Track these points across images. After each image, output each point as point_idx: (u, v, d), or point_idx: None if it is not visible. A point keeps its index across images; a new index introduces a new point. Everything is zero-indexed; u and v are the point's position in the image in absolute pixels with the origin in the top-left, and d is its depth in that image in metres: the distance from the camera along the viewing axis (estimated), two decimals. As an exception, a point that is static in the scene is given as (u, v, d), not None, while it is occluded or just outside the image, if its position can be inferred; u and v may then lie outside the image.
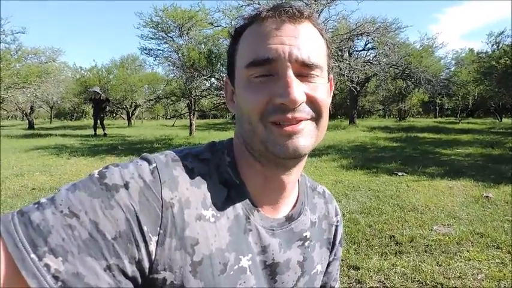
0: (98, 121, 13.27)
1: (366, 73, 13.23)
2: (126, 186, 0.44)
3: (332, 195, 0.72)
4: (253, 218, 0.53)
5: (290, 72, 0.47)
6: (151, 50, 12.89)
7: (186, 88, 10.79)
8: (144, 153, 0.51)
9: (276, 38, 0.48)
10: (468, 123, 19.33)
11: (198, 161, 0.52)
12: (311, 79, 0.49)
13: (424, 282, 2.35)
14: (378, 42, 13.60)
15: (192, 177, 0.50)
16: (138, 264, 0.42)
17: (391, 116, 28.99)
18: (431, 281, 2.36)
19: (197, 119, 19.51)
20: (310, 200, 0.64)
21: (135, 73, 21.18)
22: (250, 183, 0.54)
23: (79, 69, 23.02)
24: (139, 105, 22.42)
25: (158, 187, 0.45)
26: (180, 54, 10.89)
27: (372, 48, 15.63)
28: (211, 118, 33.57)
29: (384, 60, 14.01)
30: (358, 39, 13.42)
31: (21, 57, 15.15)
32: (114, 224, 0.41)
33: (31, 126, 18.88)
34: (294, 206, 0.60)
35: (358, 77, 12.30)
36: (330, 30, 12.62)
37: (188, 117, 13.63)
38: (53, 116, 28.20)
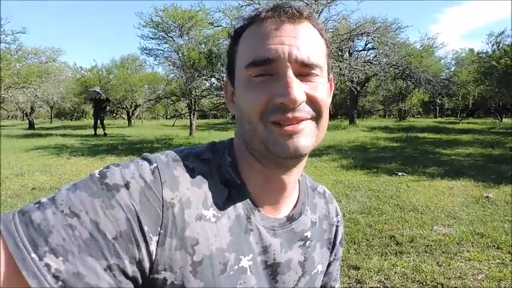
0: (98, 121, 13.28)
1: (366, 73, 13.23)
2: (127, 186, 0.44)
3: (332, 195, 0.72)
4: (254, 218, 0.53)
5: (290, 72, 0.47)
6: (151, 50, 12.90)
7: (186, 88, 10.79)
8: (145, 153, 0.51)
9: (276, 38, 0.48)
10: (468, 123, 19.32)
11: (199, 161, 0.52)
12: (311, 79, 0.49)
13: (424, 283, 2.35)
14: (378, 42, 13.60)
15: (192, 177, 0.50)
16: (139, 264, 0.42)
17: (391, 116, 28.99)
18: (432, 281, 2.36)
19: (197, 119, 19.51)
20: (310, 200, 0.64)
21: (135, 73, 21.18)
22: (250, 183, 0.54)
23: (79, 69, 23.05)
24: (140, 105, 22.43)
25: (159, 187, 0.45)
26: (180, 54, 10.90)
27: (372, 48, 15.63)
28: (212, 118, 33.58)
29: (384, 60, 14.01)
30: (358, 39, 13.43)
31: (22, 57, 15.17)
32: (114, 223, 0.41)
33: (31, 126, 18.89)
34: (295, 206, 0.60)
35: (358, 77, 12.29)
36: (330, 30, 12.62)
37: (188, 117, 13.63)
38: (53, 115, 28.22)
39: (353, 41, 13.10)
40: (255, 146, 0.51)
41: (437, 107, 27.89)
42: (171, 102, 15.64)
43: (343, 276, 2.45)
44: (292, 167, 0.54)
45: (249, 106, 0.49)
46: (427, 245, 2.92)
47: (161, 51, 12.80)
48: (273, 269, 0.54)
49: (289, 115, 0.47)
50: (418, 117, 29.29)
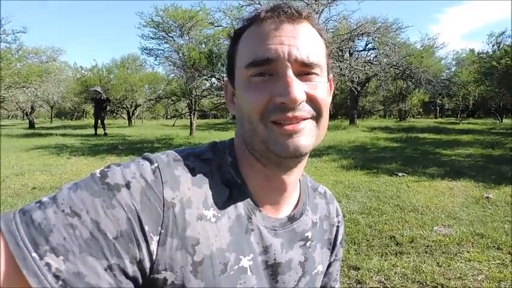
0: (99, 121, 13.29)
1: (366, 73, 13.22)
2: (127, 185, 0.44)
3: (333, 196, 0.72)
4: (255, 218, 0.53)
5: (290, 72, 0.47)
6: (152, 49, 12.93)
7: (187, 88, 10.80)
8: (146, 153, 0.51)
9: (275, 38, 0.48)
10: (469, 123, 19.32)
11: (199, 161, 0.52)
12: (311, 78, 0.49)
13: (424, 283, 2.35)
14: (378, 42, 13.61)
15: (193, 177, 0.50)
16: (139, 264, 0.42)
17: (392, 117, 28.99)
18: (432, 281, 2.36)
19: (197, 118, 19.50)
20: (311, 200, 0.64)
21: (135, 73, 21.20)
22: (251, 183, 0.54)
23: (80, 69, 23.09)
24: (140, 105, 22.44)
25: (160, 187, 0.45)
26: (180, 54, 10.91)
27: (373, 49, 15.64)
28: (212, 118, 33.60)
29: (385, 60, 14.00)
30: (358, 39, 13.44)
31: (22, 56, 15.19)
32: (115, 223, 0.41)
33: (31, 125, 18.91)
34: (296, 206, 0.60)
35: (359, 77, 12.29)
36: (330, 30, 12.63)
37: (188, 117, 13.64)
38: (53, 115, 28.25)
39: (353, 41, 13.11)
40: (256, 146, 0.51)
41: (437, 108, 27.88)
42: (172, 102, 15.66)
43: (343, 276, 2.45)
44: (292, 167, 0.54)
45: (249, 106, 0.49)
46: (427, 246, 2.92)
47: (161, 51, 12.84)
48: (273, 269, 0.54)
49: (290, 114, 0.47)
50: (418, 117, 29.29)
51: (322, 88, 0.50)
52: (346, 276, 2.45)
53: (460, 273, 2.46)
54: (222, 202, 0.51)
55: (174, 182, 0.47)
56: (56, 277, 0.37)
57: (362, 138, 11.13)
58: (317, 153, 7.52)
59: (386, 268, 2.54)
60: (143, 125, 21.42)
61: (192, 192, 0.48)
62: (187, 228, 0.46)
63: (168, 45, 12.35)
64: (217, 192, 0.51)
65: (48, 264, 0.37)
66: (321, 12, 11.80)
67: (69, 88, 20.81)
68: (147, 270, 0.43)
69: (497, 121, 21.17)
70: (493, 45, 16.32)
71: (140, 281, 0.43)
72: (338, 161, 6.95)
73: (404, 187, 4.82)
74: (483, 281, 2.36)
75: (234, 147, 0.56)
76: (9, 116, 34.09)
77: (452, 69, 21.87)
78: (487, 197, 4.23)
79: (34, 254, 0.37)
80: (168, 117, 31.34)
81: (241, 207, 0.52)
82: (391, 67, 14.44)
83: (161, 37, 12.37)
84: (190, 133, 12.71)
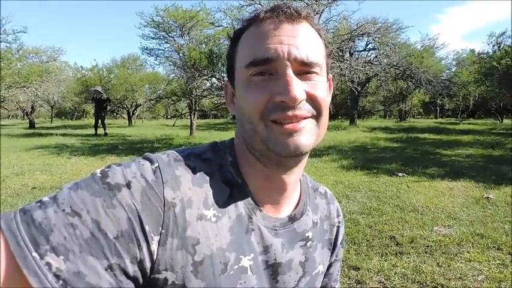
0: (99, 120, 13.29)
1: (366, 73, 13.21)
2: (128, 185, 0.44)
3: (334, 196, 0.72)
4: (256, 217, 0.53)
5: (289, 71, 0.47)
6: (152, 49, 12.94)
7: (187, 88, 10.80)
8: (147, 153, 0.51)
9: (275, 37, 0.48)
10: (469, 124, 19.31)
11: (200, 161, 0.52)
12: (310, 77, 0.50)
13: (424, 283, 2.35)
14: (378, 42, 13.61)
15: (194, 176, 0.50)
16: (140, 264, 0.42)
17: (392, 117, 28.98)
18: (432, 281, 2.36)
19: (198, 118, 19.50)
20: (312, 201, 0.64)
21: (136, 73, 21.19)
22: (251, 183, 0.54)
23: (80, 69, 23.09)
24: (140, 104, 22.44)
25: (160, 187, 0.45)
26: (181, 54, 10.91)
27: (373, 49, 15.64)
28: (212, 118, 33.60)
29: (385, 60, 14.00)
30: (359, 39, 13.43)
31: (22, 56, 15.20)
32: (115, 223, 0.41)
33: (32, 125, 18.91)
34: (296, 206, 0.60)
35: (359, 78, 12.28)
36: (331, 30, 12.64)
37: (189, 117, 13.64)
38: (53, 115, 28.25)
39: (354, 42, 13.11)
40: (256, 146, 0.51)
41: (437, 108, 27.88)
42: (172, 102, 15.65)
43: (343, 276, 2.45)
44: (292, 166, 0.54)
45: (249, 106, 0.49)
46: (427, 246, 2.91)
47: (162, 51, 12.84)
48: (273, 269, 0.54)
49: (290, 113, 0.47)
50: (418, 117, 29.28)
51: (322, 87, 0.51)
52: (346, 277, 2.45)
53: (460, 274, 2.46)
54: (223, 202, 0.51)
55: (174, 182, 0.47)
56: (57, 277, 0.37)
57: (362, 138, 11.13)
58: (317, 153, 7.52)
59: (387, 268, 2.54)
60: (143, 125, 21.42)
61: (193, 192, 0.48)
62: (187, 228, 0.46)
63: (168, 45, 12.36)
64: (217, 191, 0.51)
65: (48, 264, 0.37)
66: (322, 12, 11.79)
67: (69, 88, 20.82)
68: (148, 270, 0.43)
69: (498, 121, 21.15)
70: (494, 46, 16.33)
71: (141, 281, 0.43)
72: (338, 161, 6.95)
73: (405, 187, 4.82)
74: (483, 282, 2.36)
75: (234, 147, 0.56)
76: (9, 116, 34.10)
77: (453, 70, 21.86)
78: (487, 198, 4.23)
79: (34, 254, 0.37)
80: (168, 117, 31.34)
81: (241, 206, 0.52)
82: (391, 67, 14.44)
83: (161, 37, 12.38)
84: (191, 133, 12.70)
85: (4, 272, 0.37)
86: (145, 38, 12.59)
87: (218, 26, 11.91)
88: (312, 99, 0.49)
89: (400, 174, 5.57)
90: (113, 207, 0.42)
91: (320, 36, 0.53)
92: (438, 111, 29.05)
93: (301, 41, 0.49)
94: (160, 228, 0.44)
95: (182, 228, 0.46)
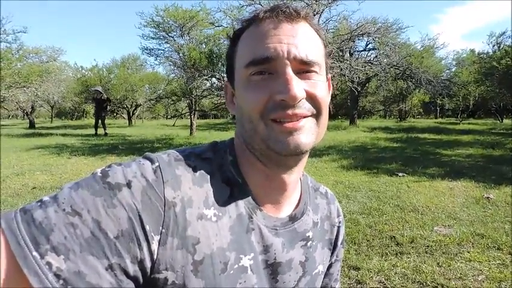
0: (99, 120, 13.29)
1: (366, 73, 13.22)
2: (128, 185, 0.44)
3: (334, 196, 0.72)
4: (256, 217, 0.53)
5: (289, 70, 0.47)
6: (152, 49, 12.94)
7: (187, 88, 10.81)
8: (147, 153, 0.51)
9: (274, 37, 0.48)
10: (469, 123, 19.31)
11: (200, 160, 0.52)
12: (310, 76, 0.50)
13: (424, 283, 2.34)
14: (378, 42, 13.61)
15: (194, 176, 0.50)
16: (140, 263, 0.42)
17: (392, 117, 28.98)
18: (432, 281, 2.36)
19: (198, 118, 19.50)
20: (312, 200, 0.64)
21: (136, 73, 21.20)
22: (251, 182, 0.54)
23: (80, 69, 23.09)
24: (140, 104, 22.44)
25: (161, 186, 0.45)
26: (181, 54, 10.91)
27: (373, 49, 15.64)
28: (212, 118, 33.61)
29: (385, 60, 14.00)
30: (359, 39, 13.44)
31: (22, 56, 15.21)
32: (116, 223, 0.41)
33: (32, 125, 18.92)
34: (297, 205, 0.60)
35: (359, 78, 12.28)
36: (331, 30, 12.65)
37: (189, 117, 13.64)
38: (53, 115, 28.26)
39: (354, 42, 13.11)
40: (256, 145, 0.51)
41: (437, 108, 27.88)
42: (172, 102, 15.66)
43: (343, 276, 2.45)
44: (292, 165, 0.54)
45: (249, 105, 0.49)
46: (428, 246, 2.91)
47: (162, 51, 12.85)
48: (273, 269, 0.54)
49: (290, 112, 0.47)
50: (418, 117, 29.29)
51: (321, 86, 0.51)
52: (346, 277, 2.45)
53: (461, 274, 2.46)
54: (223, 201, 0.51)
55: (175, 182, 0.47)
56: (57, 276, 0.37)
57: (362, 138, 11.13)
58: (317, 153, 7.52)
59: (387, 268, 2.54)
60: (143, 125, 21.42)
61: (193, 191, 0.48)
62: (188, 228, 0.46)
63: (168, 45, 12.36)
64: (218, 191, 0.51)
65: (49, 263, 0.37)
66: (322, 12, 11.80)
67: (69, 88, 20.83)
68: (148, 270, 0.43)
69: (498, 121, 21.16)
70: (494, 46, 16.33)
71: (141, 280, 0.43)
72: (338, 161, 6.95)
73: (405, 187, 4.82)
74: (483, 281, 2.36)
75: (234, 146, 0.56)
76: (9, 116, 34.12)
77: (453, 70, 21.87)
78: (487, 197, 4.23)
79: (35, 253, 0.37)
80: (168, 117, 31.35)
81: (242, 206, 0.52)
82: (391, 67, 14.44)
83: (161, 37, 12.38)
84: (191, 133, 12.71)
85: (4, 272, 0.37)
86: (145, 38, 12.60)
87: (218, 26, 11.92)
88: (311, 98, 0.49)
89: (400, 174, 5.57)
90: (113, 207, 0.42)
91: (319, 36, 0.53)
92: (438, 111, 29.05)
93: (301, 40, 0.49)
94: (160, 227, 0.44)
95: (182, 227, 0.45)
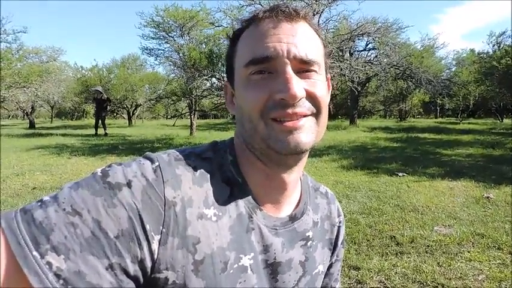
0: (99, 120, 13.29)
1: (366, 73, 13.22)
2: (129, 184, 0.44)
3: (334, 196, 0.72)
4: (256, 216, 0.53)
5: (289, 69, 0.48)
6: (152, 49, 12.95)
7: (187, 88, 10.81)
8: (147, 152, 0.51)
9: (274, 36, 0.48)
10: (469, 123, 19.32)
11: (200, 160, 0.52)
12: (309, 76, 0.50)
13: (424, 283, 2.34)
14: (378, 42, 13.62)
15: (194, 175, 0.50)
16: (141, 263, 0.42)
17: (392, 117, 28.98)
18: (432, 281, 2.36)
19: (198, 119, 19.51)
20: (312, 200, 0.64)
21: (136, 73, 21.21)
22: (251, 182, 0.54)
23: (80, 69, 23.10)
24: (140, 104, 22.45)
25: (161, 186, 0.45)
26: (181, 54, 10.92)
27: (373, 49, 15.65)
28: (212, 118, 33.62)
29: (385, 60, 14.01)
30: (359, 39, 13.45)
31: (23, 56, 15.22)
32: (116, 222, 0.41)
33: (32, 125, 18.93)
34: (297, 205, 0.60)
35: (359, 77, 12.29)
36: (331, 30, 12.66)
37: (189, 117, 13.65)
38: (53, 115, 28.28)
39: (354, 41, 13.12)
40: (256, 145, 0.51)
41: (438, 108, 27.88)
42: (172, 102, 15.66)
43: (343, 276, 2.45)
44: (292, 165, 0.54)
45: (249, 104, 0.49)
46: (428, 246, 2.91)
47: (162, 51, 12.86)
48: (273, 268, 0.54)
49: (289, 111, 0.47)
50: (418, 117, 29.30)
51: (321, 85, 0.51)
52: (346, 276, 2.45)
53: (461, 273, 2.46)
54: (223, 201, 0.51)
55: (175, 181, 0.47)
56: (57, 276, 0.37)
57: (362, 138, 11.13)
58: (317, 153, 7.52)
59: (387, 268, 2.54)
60: (143, 125, 21.43)
61: (193, 191, 0.48)
62: (188, 227, 0.46)
63: (168, 45, 12.37)
64: (218, 190, 0.51)
65: (49, 263, 0.37)
66: (322, 12, 11.80)
67: (69, 88, 20.84)
68: (148, 270, 0.43)
69: (498, 121, 21.16)
70: (493, 45, 16.35)
71: (141, 280, 0.43)
72: (338, 161, 6.95)
73: (405, 187, 4.82)
74: (484, 281, 2.36)
75: (234, 146, 0.56)
76: (9, 116, 34.13)
77: (453, 69, 21.88)
78: (488, 197, 4.23)
79: (35, 253, 0.37)
80: (168, 117, 31.36)
81: (242, 205, 0.52)
82: (391, 67, 14.44)
83: (161, 37, 12.39)
84: (191, 133, 12.71)
85: (4, 271, 0.37)
86: (145, 38, 12.62)
87: (218, 26, 11.93)
88: (311, 97, 0.50)
89: (400, 174, 5.57)
90: (113, 207, 0.42)
91: (318, 35, 0.53)
92: (438, 111, 29.05)
93: (300, 39, 0.49)
94: (161, 227, 0.44)
95: (183, 227, 0.45)
